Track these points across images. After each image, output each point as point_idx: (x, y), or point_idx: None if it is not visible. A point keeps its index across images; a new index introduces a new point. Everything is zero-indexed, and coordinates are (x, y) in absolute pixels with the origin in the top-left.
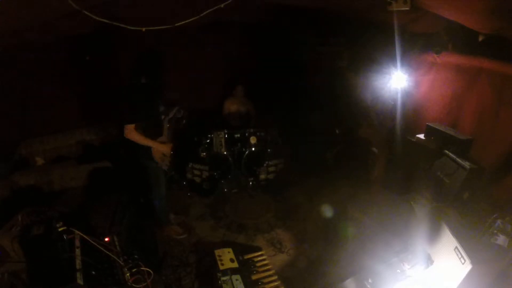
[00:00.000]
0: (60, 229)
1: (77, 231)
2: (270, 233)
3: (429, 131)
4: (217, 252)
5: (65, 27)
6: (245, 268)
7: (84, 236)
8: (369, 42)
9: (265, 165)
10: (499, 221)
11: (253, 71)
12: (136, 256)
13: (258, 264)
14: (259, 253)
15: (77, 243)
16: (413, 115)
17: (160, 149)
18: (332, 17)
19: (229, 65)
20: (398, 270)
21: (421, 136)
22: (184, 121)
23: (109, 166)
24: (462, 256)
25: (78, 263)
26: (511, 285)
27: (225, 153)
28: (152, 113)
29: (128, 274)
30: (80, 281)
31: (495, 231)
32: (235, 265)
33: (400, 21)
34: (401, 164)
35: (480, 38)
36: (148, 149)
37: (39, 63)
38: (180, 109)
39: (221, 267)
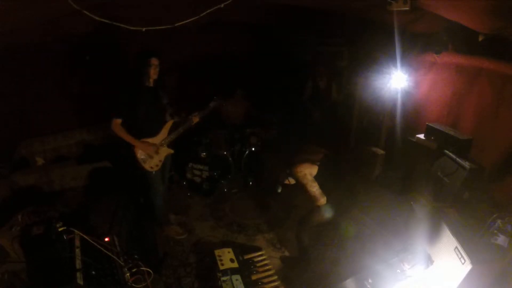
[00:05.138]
0: (60, 229)
1: (77, 231)
2: (270, 233)
3: (429, 131)
4: (217, 252)
5: (65, 27)
6: (245, 268)
7: (84, 236)
8: (369, 42)
9: None
10: (499, 221)
11: (253, 70)
12: (136, 256)
13: (258, 264)
14: (259, 253)
15: (77, 243)
16: (413, 115)
17: (141, 147)
18: (332, 17)
19: (229, 64)
20: (398, 270)
21: (421, 136)
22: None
23: (109, 166)
24: (462, 256)
25: (78, 263)
26: (511, 285)
27: (225, 153)
28: (140, 112)
29: (128, 274)
30: (80, 281)
31: (495, 231)
32: (235, 265)
33: (400, 21)
34: (401, 164)
35: (480, 38)
36: (130, 148)
37: (39, 63)
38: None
39: (221, 267)
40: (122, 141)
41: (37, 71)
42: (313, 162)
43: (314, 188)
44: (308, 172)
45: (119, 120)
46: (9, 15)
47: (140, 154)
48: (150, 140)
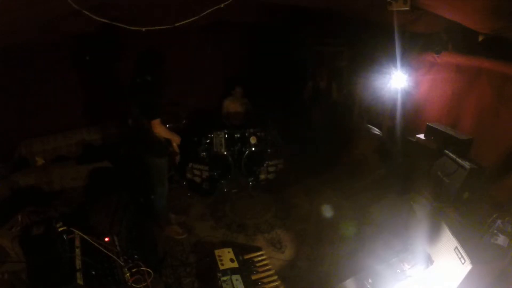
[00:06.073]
0: (60, 229)
1: (77, 231)
2: (270, 233)
3: (429, 131)
4: (217, 252)
5: (65, 27)
6: (245, 268)
7: (84, 236)
8: (369, 42)
9: (265, 165)
10: (499, 221)
11: (253, 71)
12: (136, 256)
13: (258, 264)
14: (259, 253)
15: (77, 243)
16: (413, 115)
17: (177, 140)
18: (332, 17)
19: (229, 65)
20: (398, 270)
21: (421, 136)
22: (184, 121)
23: (109, 166)
24: (462, 256)
25: (78, 263)
26: (511, 285)
27: (225, 153)
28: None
29: (128, 274)
30: (80, 281)
31: (495, 231)
32: (235, 265)
33: (400, 21)
34: (401, 164)
35: (480, 38)
36: (162, 144)
37: (39, 63)
38: None
39: (221, 267)
40: (122, 142)
41: (37, 71)
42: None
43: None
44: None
45: (158, 120)
46: (9, 15)
47: (177, 147)
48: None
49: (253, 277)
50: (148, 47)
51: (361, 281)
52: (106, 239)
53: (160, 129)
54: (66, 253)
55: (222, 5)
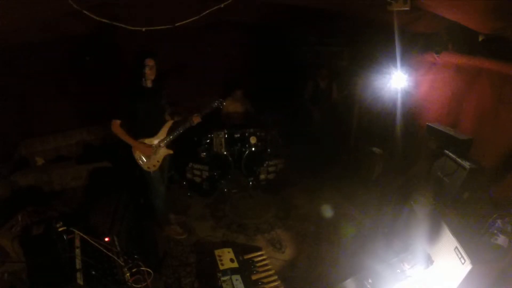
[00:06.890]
0: (60, 229)
1: (77, 231)
2: (270, 233)
3: (429, 131)
4: (217, 252)
5: (65, 27)
6: (245, 268)
7: (84, 236)
8: (369, 42)
9: (265, 165)
10: (499, 221)
11: (253, 70)
12: (136, 256)
13: (258, 264)
14: (259, 253)
15: (77, 243)
16: (413, 115)
17: (139, 148)
18: (332, 17)
19: (229, 64)
20: (398, 270)
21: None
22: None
23: (109, 166)
24: (462, 256)
25: (78, 263)
26: (511, 285)
27: (225, 153)
28: (139, 113)
29: (128, 274)
30: (80, 281)
31: (495, 231)
32: (235, 265)
33: (400, 21)
34: (401, 164)
35: (480, 38)
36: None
37: (39, 63)
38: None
39: (221, 267)
40: (121, 142)
41: (37, 71)
42: None
43: None
44: None
45: (118, 121)
46: (9, 15)
47: (138, 155)
48: (147, 140)
49: (253, 277)
50: (143, 48)
51: (361, 281)
52: (106, 239)
53: (115, 130)
54: (66, 253)
55: (222, 5)
